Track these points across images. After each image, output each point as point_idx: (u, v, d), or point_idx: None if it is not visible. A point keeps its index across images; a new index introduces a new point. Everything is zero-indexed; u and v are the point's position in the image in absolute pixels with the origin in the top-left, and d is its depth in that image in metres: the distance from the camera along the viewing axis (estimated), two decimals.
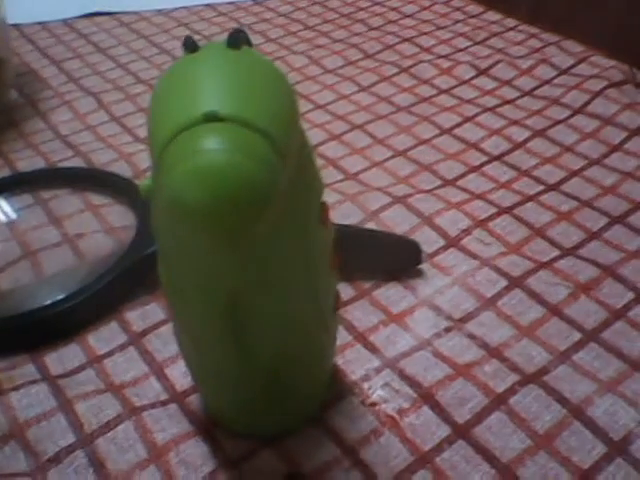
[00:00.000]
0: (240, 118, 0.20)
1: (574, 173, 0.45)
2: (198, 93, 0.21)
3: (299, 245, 0.25)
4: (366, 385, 0.32)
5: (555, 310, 0.36)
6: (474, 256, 0.39)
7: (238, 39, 0.23)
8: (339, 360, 0.34)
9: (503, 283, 0.37)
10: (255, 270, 0.24)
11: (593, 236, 0.40)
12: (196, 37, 0.66)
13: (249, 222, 0.20)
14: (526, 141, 0.48)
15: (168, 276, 0.26)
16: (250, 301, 0.25)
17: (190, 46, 0.23)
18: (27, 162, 0.49)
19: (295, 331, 0.27)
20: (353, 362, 0.34)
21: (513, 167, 0.46)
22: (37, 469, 0.30)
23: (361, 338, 0.35)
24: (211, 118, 0.20)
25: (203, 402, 0.32)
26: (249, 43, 0.24)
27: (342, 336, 0.35)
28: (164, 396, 0.32)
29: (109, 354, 0.35)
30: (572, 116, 0.51)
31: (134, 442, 0.30)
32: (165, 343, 0.35)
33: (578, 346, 0.34)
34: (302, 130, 0.24)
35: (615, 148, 0.47)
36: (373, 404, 0.32)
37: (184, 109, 0.21)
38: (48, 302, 0.36)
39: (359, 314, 0.36)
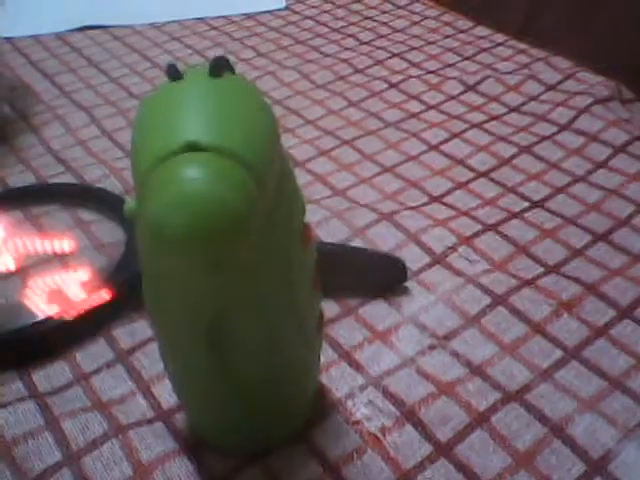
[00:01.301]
0: (220, 147, 0.21)
1: (559, 190, 0.46)
2: (179, 122, 0.22)
3: (281, 266, 0.25)
4: (350, 403, 0.33)
5: (538, 328, 0.36)
6: (459, 273, 0.39)
7: (220, 66, 0.23)
8: (324, 378, 0.34)
9: (487, 301, 0.38)
10: (237, 292, 0.24)
11: (577, 253, 0.41)
12: (187, 51, 0.67)
13: (228, 249, 0.21)
14: (512, 157, 0.49)
15: (152, 297, 0.26)
16: (233, 322, 0.25)
17: (173, 73, 0.23)
18: (18, 177, 0.49)
19: (279, 350, 0.28)
20: (338, 380, 0.34)
21: (499, 184, 0.47)
22: None
23: (346, 356, 0.35)
24: (192, 147, 0.21)
25: (189, 420, 0.32)
26: (231, 70, 0.24)
27: (327, 354, 0.35)
28: (150, 414, 0.33)
29: (96, 371, 0.35)
30: (558, 132, 0.51)
31: (120, 460, 0.31)
32: (152, 361, 0.35)
33: (560, 364, 0.34)
34: (283, 156, 0.25)
35: (600, 165, 0.48)
36: (357, 422, 0.32)
37: (165, 138, 0.21)
38: (36, 319, 0.36)
39: (344, 332, 0.36)
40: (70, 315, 0.36)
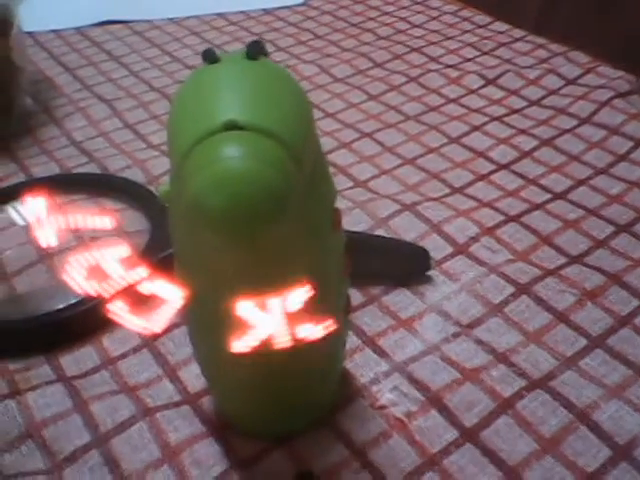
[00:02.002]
0: (258, 126, 0.21)
1: (581, 182, 0.46)
2: (218, 102, 0.22)
3: (313, 248, 0.25)
4: (375, 388, 0.33)
5: (562, 317, 0.36)
6: (482, 263, 0.40)
7: (256, 50, 0.24)
8: (348, 364, 0.34)
9: (510, 290, 0.38)
10: (270, 273, 0.24)
11: (599, 244, 0.41)
12: (207, 45, 0.67)
13: (266, 225, 0.21)
14: (533, 150, 0.49)
15: (183, 278, 0.27)
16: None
17: (210, 57, 0.24)
18: (42, 168, 0.49)
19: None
20: (362, 366, 0.34)
21: (520, 176, 0.47)
22: (53, 468, 0.30)
23: (370, 342, 0.35)
24: (230, 127, 0.21)
25: (215, 404, 0.32)
26: (266, 54, 0.25)
27: (351, 341, 0.35)
28: (177, 397, 0.33)
29: (123, 356, 0.35)
30: (579, 126, 0.51)
31: (148, 442, 0.31)
32: (178, 346, 0.36)
33: (584, 352, 0.34)
34: (317, 137, 0.25)
35: (621, 158, 0.48)
36: (382, 407, 0.32)
37: (205, 118, 0.22)
38: (63, 305, 0.36)
39: (368, 319, 0.37)
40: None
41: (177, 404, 0.33)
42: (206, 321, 0.27)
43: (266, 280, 0.24)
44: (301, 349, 0.28)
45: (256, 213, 0.20)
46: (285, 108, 0.22)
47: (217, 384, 0.31)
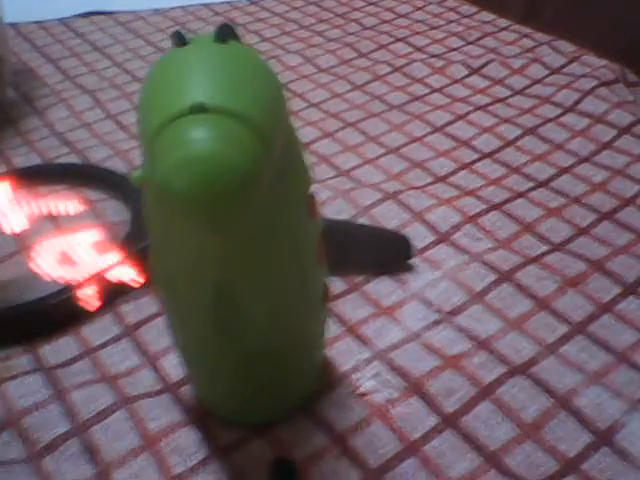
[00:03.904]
0: (225, 109, 0.21)
1: (564, 170, 0.46)
2: (185, 85, 0.22)
3: (286, 235, 0.25)
4: (356, 376, 0.33)
5: (543, 304, 0.36)
6: (464, 251, 0.39)
7: (225, 33, 0.24)
8: (329, 352, 0.34)
9: (492, 277, 0.38)
10: (242, 259, 0.24)
11: (582, 232, 0.41)
12: (191, 36, 0.66)
13: (234, 209, 0.21)
14: (517, 139, 0.49)
15: (159, 267, 0.27)
16: (237, 290, 0.25)
17: (179, 40, 0.23)
18: (23, 158, 0.49)
19: (284, 320, 0.28)
20: (343, 354, 0.34)
21: (504, 164, 0.47)
22: (32, 456, 0.30)
23: (351, 331, 0.35)
24: (198, 109, 0.21)
25: (195, 392, 0.32)
26: (236, 37, 0.24)
27: (333, 329, 0.35)
28: (158, 386, 0.33)
29: (103, 345, 0.35)
30: (563, 114, 0.51)
31: (128, 430, 0.31)
32: (159, 335, 0.35)
33: (565, 339, 0.34)
34: (289, 120, 0.25)
35: (605, 146, 0.48)
36: (363, 394, 0.32)
37: (172, 101, 0.21)
38: (42, 294, 0.36)
39: (349, 307, 0.37)
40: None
41: (157, 392, 0.33)
42: (181, 308, 0.27)
43: (238, 264, 0.24)
44: (277, 334, 0.28)
45: (223, 194, 0.20)
46: (253, 90, 0.22)
47: (196, 372, 0.30)
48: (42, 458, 0.30)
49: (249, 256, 0.24)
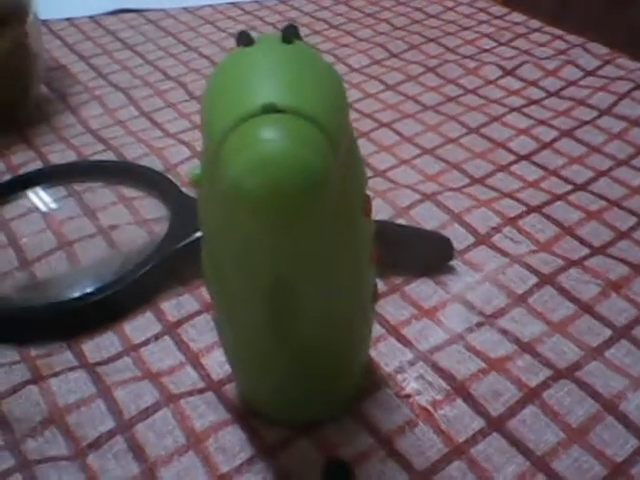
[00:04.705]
0: (296, 109, 0.21)
1: (602, 173, 0.46)
2: (255, 85, 0.22)
3: (344, 233, 0.25)
4: (400, 377, 0.33)
5: (586, 307, 0.36)
6: (504, 253, 0.39)
7: (291, 33, 0.24)
8: (373, 352, 0.34)
9: (533, 280, 0.37)
10: (302, 257, 0.24)
11: (622, 235, 0.40)
12: (222, 34, 0.67)
13: (305, 211, 0.21)
14: (553, 141, 0.49)
15: (213, 263, 0.27)
16: (294, 287, 0.25)
17: (246, 39, 0.23)
18: (59, 155, 0.49)
19: (336, 320, 0.28)
20: (387, 355, 0.34)
21: (541, 167, 0.46)
22: (77, 453, 0.30)
23: (394, 331, 0.35)
24: (269, 109, 0.21)
25: (240, 390, 0.32)
26: (300, 37, 0.24)
27: (375, 330, 0.35)
28: (201, 384, 0.33)
29: (145, 343, 0.35)
30: (599, 117, 0.51)
31: (173, 428, 0.31)
32: (200, 333, 0.35)
33: (609, 343, 0.34)
34: (350, 121, 0.25)
35: None
36: (407, 396, 0.32)
37: (242, 101, 0.21)
38: (84, 292, 0.36)
39: (391, 309, 0.36)
40: (117, 289, 0.36)
41: (201, 391, 0.33)
42: (234, 305, 0.27)
43: (296, 260, 0.24)
44: (329, 332, 0.28)
45: (295, 196, 0.20)
46: (322, 92, 0.22)
47: (244, 369, 0.30)
48: (87, 455, 0.30)
49: (309, 253, 0.24)
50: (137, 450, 0.30)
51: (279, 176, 0.20)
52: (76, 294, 0.36)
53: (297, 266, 0.24)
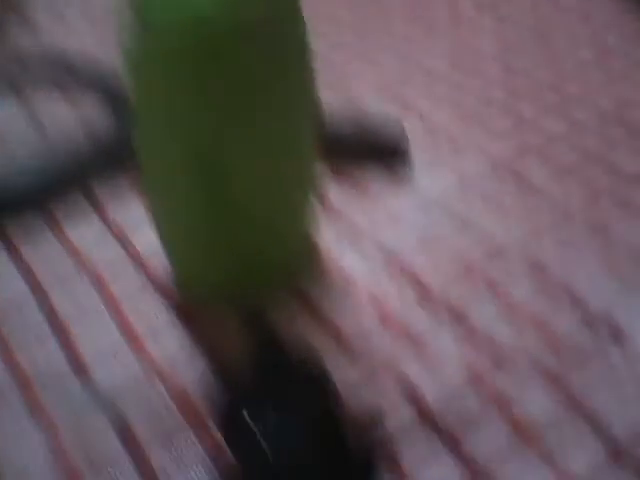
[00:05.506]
0: None
1: None
2: None
3: (287, 101, 0.24)
4: (345, 260, 0.31)
5: (533, 189, 0.34)
6: (461, 144, 0.37)
7: None
8: (320, 241, 0.32)
9: (488, 168, 0.35)
10: (231, 110, 0.23)
11: None
12: None
13: (226, 44, 0.21)
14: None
15: (145, 140, 0.25)
16: (232, 148, 0.24)
17: None
18: None
19: (270, 186, 0.26)
20: (334, 243, 0.32)
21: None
22: None
23: (344, 220, 0.33)
24: None
25: (175, 275, 0.30)
26: None
27: (324, 221, 0.33)
28: (125, 258, 0.31)
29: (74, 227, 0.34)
30: None
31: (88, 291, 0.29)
32: (131, 215, 0.34)
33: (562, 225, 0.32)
34: None
35: None
36: (349, 276, 0.30)
37: None
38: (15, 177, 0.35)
39: (341, 197, 0.34)
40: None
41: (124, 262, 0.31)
42: (169, 177, 0.26)
43: (229, 119, 0.23)
44: (263, 198, 0.26)
45: (216, 32, 0.20)
46: None
47: (176, 250, 0.28)
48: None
49: (238, 104, 0.23)
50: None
51: (200, 11, 0.20)
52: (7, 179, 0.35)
53: (226, 120, 0.23)
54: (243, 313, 0.28)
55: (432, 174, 0.35)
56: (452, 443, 0.24)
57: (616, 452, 0.23)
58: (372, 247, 0.32)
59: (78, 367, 0.27)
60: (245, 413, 0.21)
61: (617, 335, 0.27)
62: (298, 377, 0.22)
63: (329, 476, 0.20)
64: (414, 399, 0.25)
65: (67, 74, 0.44)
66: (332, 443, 0.20)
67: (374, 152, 0.37)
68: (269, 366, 0.23)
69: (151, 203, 0.28)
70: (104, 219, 0.34)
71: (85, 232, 0.33)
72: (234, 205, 0.26)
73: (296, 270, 0.30)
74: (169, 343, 0.27)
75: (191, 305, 0.29)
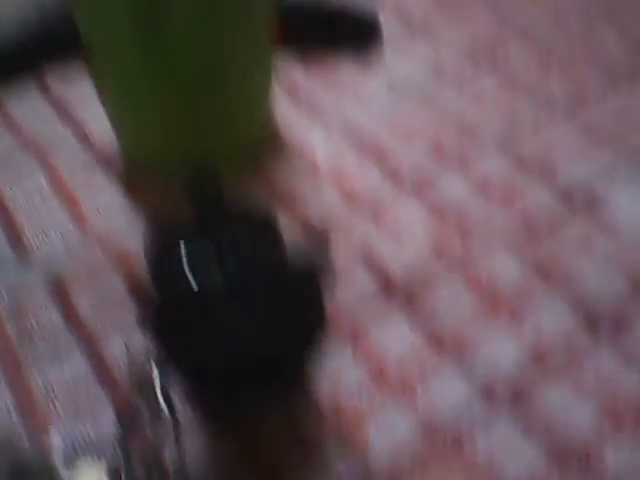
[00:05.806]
0: None
1: None
2: None
3: None
4: (308, 142, 0.31)
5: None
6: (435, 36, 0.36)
7: None
8: (282, 123, 0.31)
9: (464, 58, 0.35)
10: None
11: None
12: None
13: None
14: None
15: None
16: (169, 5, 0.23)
17: None
18: None
19: (217, 47, 0.25)
20: (297, 125, 0.32)
21: None
22: None
23: (306, 102, 0.33)
24: None
25: (124, 150, 0.30)
26: None
27: (286, 102, 0.32)
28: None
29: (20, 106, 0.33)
30: None
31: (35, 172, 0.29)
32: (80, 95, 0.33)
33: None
34: None
35: None
36: (313, 157, 0.30)
37: None
38: None
39: (309, 85, 0.34)
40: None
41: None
42: (111, 40, 0.25)
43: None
44: (209, 59, 0.25)
45: None
46: None
47: (125, 121, 0.28)
48: None
49: None
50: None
51: None
52: None
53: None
54: (189, 178, 0.27)
55: (403, 57, 0.35)
56: (411, 305, 0.24)
57: (589, 322, 0.23)
58: (338, 126, 0.31)
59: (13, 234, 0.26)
60: (181, 243, 0.21)
61: (592, 204, 0.27)
62: (238, 218, 0.22)
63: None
64: (376, 268, 0.25)
65: None
66: (265, 272, 0.20)
67: (345, 27, 0.36)
68: (209, 211, 0.23)
69: (98, 75, 0.27)
70: (49, 98, 0.33)
71: (29, 110, 0.32)
72: (179, 68, 0.25)
73: (249, 144, 0.30)
74: (112, 214, 0.27)
75: (137, 178, 0.28)
